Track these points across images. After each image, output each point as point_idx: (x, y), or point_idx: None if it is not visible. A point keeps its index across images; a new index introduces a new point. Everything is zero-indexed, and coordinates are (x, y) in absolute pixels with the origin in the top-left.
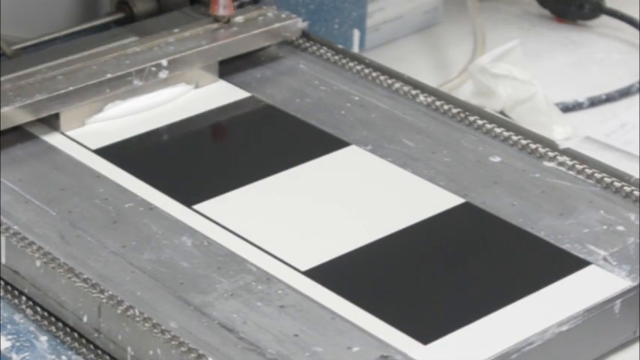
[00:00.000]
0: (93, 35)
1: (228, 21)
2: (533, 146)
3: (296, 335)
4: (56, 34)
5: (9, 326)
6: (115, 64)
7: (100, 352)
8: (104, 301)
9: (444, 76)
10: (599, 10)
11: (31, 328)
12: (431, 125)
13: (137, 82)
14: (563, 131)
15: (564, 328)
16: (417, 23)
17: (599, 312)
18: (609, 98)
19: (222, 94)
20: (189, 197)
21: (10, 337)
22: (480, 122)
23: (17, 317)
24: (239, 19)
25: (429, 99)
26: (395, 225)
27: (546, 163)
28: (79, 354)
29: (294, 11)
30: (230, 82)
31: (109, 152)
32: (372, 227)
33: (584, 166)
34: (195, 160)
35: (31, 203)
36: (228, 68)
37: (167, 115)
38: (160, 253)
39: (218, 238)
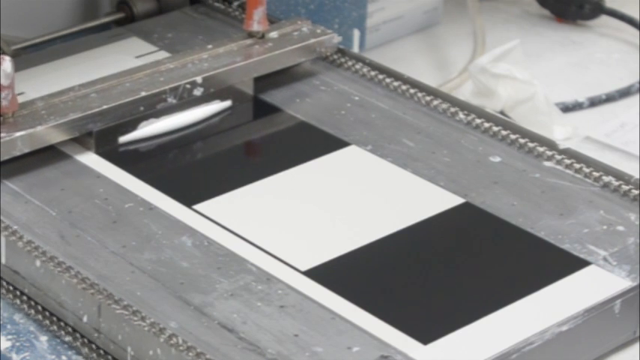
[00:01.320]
0: (93, 35)
1: (262, 36)
2: (533, 146)
3: (296, 335)
4: (56, 34)
5: (9, 326)
6: (149, 82)
7: (100, 352)
8: (104, 301)
9: (444, 76)
10: (599, 10)
11: (31, 328)
12: (431, 125)
13: (171, 100)
14: (563, 131)
15: (564, 328)
16: (417, 23)
17: (599, 312)
18: (609, 98)
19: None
20: (189, 197)
21: (10, 337)
22: (479, 122)
23: (17, 317)
24: (273, 34)
25: (429, 99)
26: (395, 225)
27: (546, 163)
28: (79, 354)
29: (294, 11)
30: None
31: (111, 154)
32: (372, 227)
33: (584, 166)
34: (195, 161)
35: (31, 203)
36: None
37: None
38: (160, 253)
39: (218, 238)
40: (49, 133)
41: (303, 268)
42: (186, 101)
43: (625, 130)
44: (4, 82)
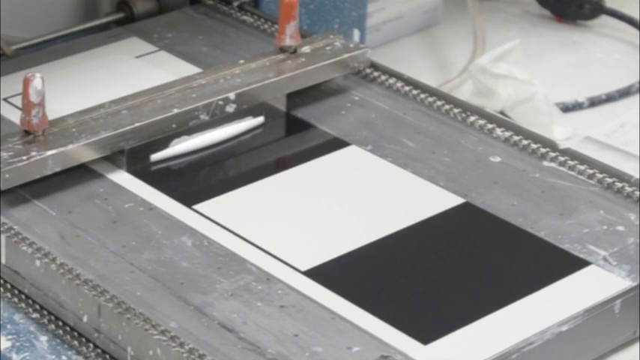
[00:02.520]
0: (93, 35)
1: (294, 51)
2: (533, 146)
3: (296, 335)
4: (56, 34)
5: (9, 326)
6: (182, 98)
7: (100, 352)
8: (104, 301)
9: (444, 76)
10: (599, 10)
11: (31, 328)
12: (431, 125)
13: (204, 117)
14: (563, 131)
15: (564, 328)
16: (417, 23)
17: (599, 312)
18: (609, 98)
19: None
20: (189, 197)
21: (10, 337)
22: (480, 122)
23: (17, 317)
24: (305, 49)
25: (429, 99)
26: (395, 225)
27: (546, 163)
28: (79, 354)
29: None
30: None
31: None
32: (372, 227)
33: (585, 166)
34: (195, 161)
35: (31, 203)
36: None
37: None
38: (160, 253)
39: (218, 238)
40: (80, 152)
41: (303, 268)
42: (219, 118)
43: (625, 130)
44: (35, 99)
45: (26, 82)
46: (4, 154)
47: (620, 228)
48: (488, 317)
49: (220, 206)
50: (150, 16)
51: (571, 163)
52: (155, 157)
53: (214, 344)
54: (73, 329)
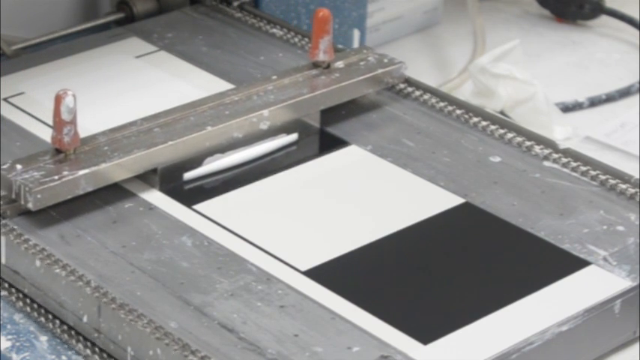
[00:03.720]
0: (93, 35)
1: (328, 66)
2: (533, 146)
3: (296, 335)
4: (56, 34)
5: (9, 326)
6: (215, 115)
7: (100, 352)
8: (104, 301)
9: (444, 76)
10: (599, 10)
11: (31, 328)
12: (431, 125)
13: (237, 135)
14: (563, 131)
15: (564, 328)
16: (417, 23)
17: (599, 312)
18: (609, 98)
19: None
20: (189, 197)
21: (10, 337)
22: (479, 122)
23: (17, 317)
24: (339, 64)
25: (430, 99)
26: (395, 225)
27: (546, 163)
28: (78, 354)
29: (294, 11)
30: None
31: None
32: (372, 227)
33: (584, 166)
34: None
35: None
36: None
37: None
38: (160, 253)
39: (218, 238)
40: (112, 171)
41: (303, 268)
42: (252, 135)
43: (625, 130)
44: (67, 117)
45: (58, 100)
46: (36, 174)
47: (620, 228)
48: (488, 317)
49: (220, 206)
50: (150, 16)
51: (571, 163)
52: (188, 175)
53: (214, 344)
54: (73, 329)
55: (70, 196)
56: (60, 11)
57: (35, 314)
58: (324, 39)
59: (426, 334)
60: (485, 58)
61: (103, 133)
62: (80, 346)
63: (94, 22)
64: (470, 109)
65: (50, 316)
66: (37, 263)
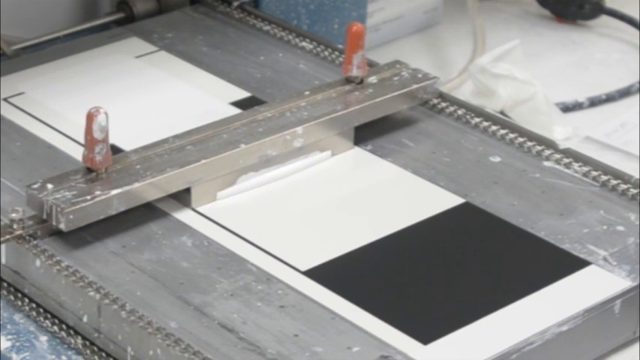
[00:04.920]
0: (93, 35)
1: (361, 82)
2: (533, 146)
3: (296, 335)
4: (56, 34)
5: (9, 326)
6: (248, 132)
7: (100, 352)
8: (104, 301)
9: (444, 76)
10: (599, 10)
11: (31, 328)
12: (431, 125)
13: (271, 152)
14: (563, 131)
15: (564, 328)
16: (417, 23)
17: (599, 312)
18: (609, 98)
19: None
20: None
21: (10, 337)
22: (479, 122)
23: (17, 317)
24: (372, 79)
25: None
26: (395, 225)
27: (546, 163)
28: (79, 354)
29: (294, 11)
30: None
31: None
32: (372, 227)
33: (585, 166)
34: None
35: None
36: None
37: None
38: (160, 253)
39: (218, 238)
40: (146, 190)
41: (303, 268)
42: (285, 152)
43: (625, 130)
44: (99, 135)
45: (90, 118)
46: (67, 194)
47: (620, 228)
48: (488, 317)
49: (220, 206)
50: (150, 16)
51: (571, 163)
52: (221, 194)
53: (214, 344)
54: (73, 329)
55: (102, 217)
56: (60, 11)
57: (35, 314)
58: (358, 54)
59: (426, 334)
60: (485, 58)
61: (135, 151)
62: (80, 346)
63: (94, 22)
64: (470, 109)
65: (50, 316)
66: (37, 263)
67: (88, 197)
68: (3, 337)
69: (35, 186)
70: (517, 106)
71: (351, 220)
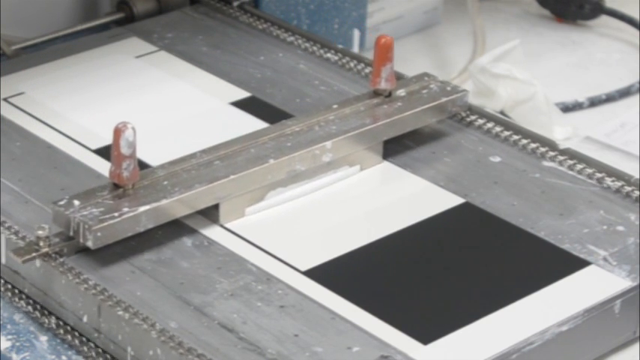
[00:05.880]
0: (93, 35)
1: (389, 94)
2: (533, 146)
3: (296, 335)
4: (56, 34)
5: (9, 326)
6: (276, 147)
7: (100, 352)
8: (104, 301)
9: (444, 76)
10: (599, 10)
11: (31, 328)
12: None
13: (300, 167)
14: (563, 131)
15: (564, 328)
16: (417, 23)
17: (599, 312)
18: (609, 98)
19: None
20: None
21: (10, 337)
22: (480, 122)
23: (17, 317)
24: (400, 92)
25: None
26: (395, 225)
27: (546, 163)
28: (79, 354)
29: (294, 11)
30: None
31: None
32: (372, 227)
33: (584, 166)
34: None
35: (31, 203)
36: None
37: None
38: (160, 253)
39: (218, 238)
40: (174, 207)
41: (303, 268)
42: (314, 167)
43: (625, 130)
44: (126, 151)
45: (117, 133)
46: (94, 210)
47: (620, 228)
48: (488, 317)
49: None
50: (150, 16)
51: (571, 163)
52: (250, 210)
53: (214, 344)
54: (73, 329)
55: (130, 234)
56: (60, 11)
57: (35, 314)
58: (387, 66)
59: (426, 334)
60: (485, 58)
61: (162, 166)
62: (80, 346)
63: (94, 22)
64: (470, 109)
65: (50, 316)
66: (37, 263)
67: (116, 214)
68: (3, 337)
69: (62, 202)
70: (517, 106)
71: (351, 220)
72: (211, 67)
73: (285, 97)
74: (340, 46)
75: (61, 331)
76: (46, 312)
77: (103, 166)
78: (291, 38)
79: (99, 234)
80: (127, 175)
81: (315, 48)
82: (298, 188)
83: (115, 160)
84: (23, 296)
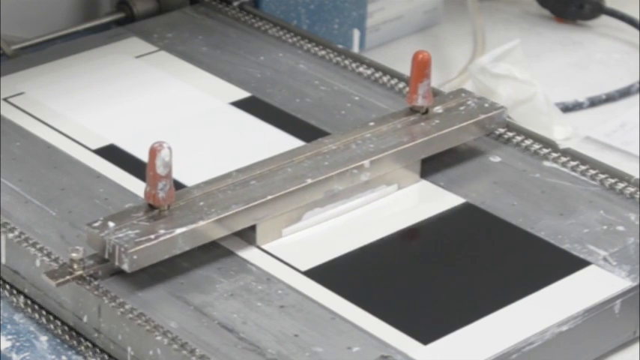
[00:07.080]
0: (93, 35)
1: (426, 111)
2: (533, 146)
3: (296, 335)
4: (56, 34)
5: (9, 326)
6: (313, 166)
7: (100, 352)
8: (104, 301)
9: (444, 76)
10: (599, 10)
11: (31, 328)
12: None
13: (337, 187)
14: (563, 131)
15: (564, 328)
16: (417, 23)
17: (599, 312)
18: (609, 98)
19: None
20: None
21: (10, 337)
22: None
23: (17, 317)
24: (437, 109)
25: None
26: (395, 225)
27: (546, 163)
28: (79, 354)
29: (294, 11)
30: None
31: None
32: (373, 227)
33: (585, 166)
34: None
35: (31, 203)
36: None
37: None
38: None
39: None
40: (210, 229)
41: (303, 268)
42: (352, 186)
43: (625, 130)
44: (162, 171)
45: (153, 153)
46: (130, 233)
47: (620, 228)
48: (489, 317)
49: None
50: (150, 16)
51: (571, 163)
52: (287, 230)
53: (214, 344)
54: (73, 329)
55: (166, 256)
56: (60, 11)
57: (35, 314)
58: (424, 83)
59: (426, 334)
60: (486, 58)
61: (198, 186)
62: (80, 346)
63: (94, 22)
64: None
65: (50, 316)
66: (37, 263)
67: (152, 236)
68: (3, 337)
69: (96, 224)
70: (517, 106)
71: (352, 220)
72: (211, 67)
73: (285, 97)
74: (340, 46)
75: (61, 331)
76: (46, 312)
77: (103, 166)
78: (292, 38)
79: (135, 257)
80: (162, 195)
81: (315, 48)
82: (335, 209)
83: (151, 180)
84: (23, 296)
